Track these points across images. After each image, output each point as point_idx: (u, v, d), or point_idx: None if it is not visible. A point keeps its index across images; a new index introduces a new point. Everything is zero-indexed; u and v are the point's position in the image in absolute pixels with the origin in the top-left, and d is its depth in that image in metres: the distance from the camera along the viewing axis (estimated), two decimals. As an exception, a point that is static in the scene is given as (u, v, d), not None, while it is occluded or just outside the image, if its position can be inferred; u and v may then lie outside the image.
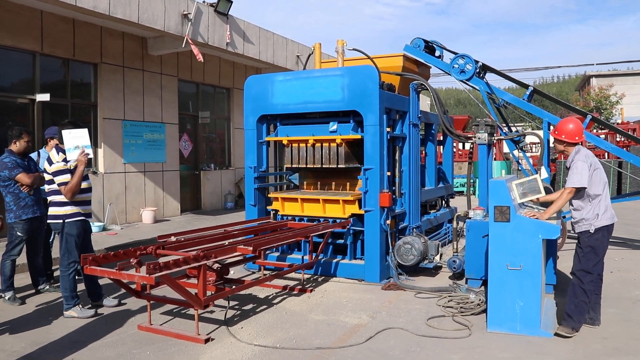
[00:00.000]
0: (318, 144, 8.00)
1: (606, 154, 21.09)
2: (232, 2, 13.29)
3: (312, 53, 9.10)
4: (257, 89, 8.38)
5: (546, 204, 5.87)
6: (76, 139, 6.13)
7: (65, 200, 6.09)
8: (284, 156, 8.42)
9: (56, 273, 7.28)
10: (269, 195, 8.56)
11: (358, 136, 7.65)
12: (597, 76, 54.32)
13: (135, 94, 13.28)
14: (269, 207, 8.51)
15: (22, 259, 7.03)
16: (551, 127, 9.09)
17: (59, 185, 6.05)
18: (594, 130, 23.24)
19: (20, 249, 6.76)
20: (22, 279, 7.46)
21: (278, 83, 8.21)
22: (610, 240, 5.61)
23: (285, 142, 8.23)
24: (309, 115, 8.28)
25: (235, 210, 15.78)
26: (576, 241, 5.60)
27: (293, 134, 8.25)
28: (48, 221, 6.31)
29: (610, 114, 41.72)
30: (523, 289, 5.36)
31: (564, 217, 5.90)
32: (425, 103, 34.27)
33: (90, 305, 6.40)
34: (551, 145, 7.41)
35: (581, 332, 5.36)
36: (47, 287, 7.17)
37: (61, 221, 6.11)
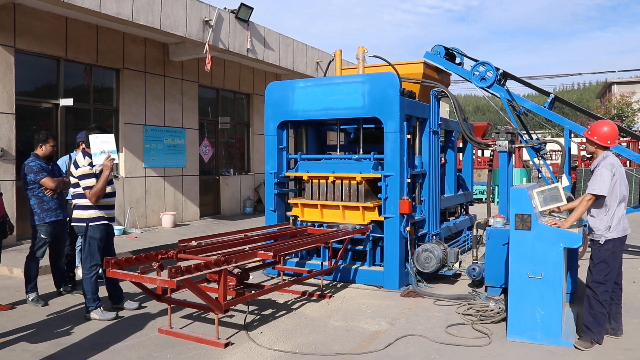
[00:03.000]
0: (338, 181, 8.01)
1: (628, 162, 20.83)
2: (252, 8, 13.39)
3: (333, 60, 9.13)
4: (278, 95, 8.43)
5: (568, 212, 5.82)
6: (102, 144, 6.21)
7: (90, 204, 6.17)
8: (304, 189, 8.46)
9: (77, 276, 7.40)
10: (289, 201, 8.59)
11: (378, 175, 7.64)
12: (618, 83, 53.70)
13: (156, 100, 13.43)
14: (288, 213, 8.54)
15: (45, 261, 7.13)
16: (572, 135, 9.02)
17: (84, 189, 6.13)
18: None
19: (44, 252, 6.86)
20: (45, 280, 7.56)
21: (299, 89, 8.25)
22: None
23: (305, 177, 8.27)
24: (329, 121, 8.30)
25: (254, 215, 15.84)
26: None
27: (313, 170, 8.27)
28: (72, 224, 6.39)
29: (632, 122, 41.20)
30: (544, 297, 5.32)
31: (585, 225, 5.85)
32: (444, 110, 34.17)
33: (111, 308, 6.47)
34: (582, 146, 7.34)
35: (604, 343, 5.30)
36: (69, 289, 7.27)
37: (85, 224, 6.19)
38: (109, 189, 6.31)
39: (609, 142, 5.45)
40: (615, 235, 5.31)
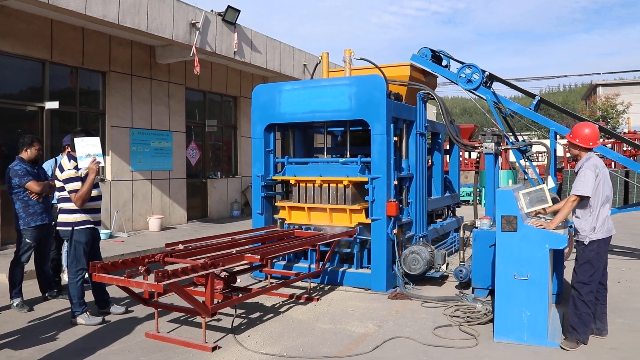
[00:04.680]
0: (325, 185, 8.00)
1: (613, 163, 21.03)
2: (239, 11, 13.38)
3: (320, 62, 9.15)
4: (265, 98, 8.43)
5: (554, 214, 5.86)
6: (88, 147, 6.17)
7: (75, 207, 6.13)
8: (292, 194, 8.45)
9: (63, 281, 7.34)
10: (276, 204, 8.58)
11: (365, 178, 7.65)
12: (603, 85, 54.18)
13: (143, 102, 13.37)
14: (275, 216, 8.53)
15: (30, 266, 7.07)
16: (558, 136, 9.09)
17: (69, 192, 6.09)
18: (601, 140, 23.21)
19: (29, 256, 6.80)
20: (30, 285, 7.50)
21: (286, 92, 8.25)
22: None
23: (293, 181, 8.26)
24: (316, 124, 8.30)
25: (241, 218, 15.81)
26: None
27: (301, 173, 8.26)
28: (57, 228, 6.35)
29: (617, 123, 41.57)
30: (530, 298, 5.35)
31: (570, 226, 5.90)
32: (431, 112, 34.31)
33: (97, 313, 6.43)
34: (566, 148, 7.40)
35: (589, 343, 5.35)
36: (55, 294, 7.21)
37: (70, 228, 6.15)
38: (94, 193, 6.28)
39: (591, 143, 5.50)
40: (600, 236, 5.35)
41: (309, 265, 7.91)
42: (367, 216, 7.67)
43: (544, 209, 5.84)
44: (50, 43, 11.10)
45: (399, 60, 9.60)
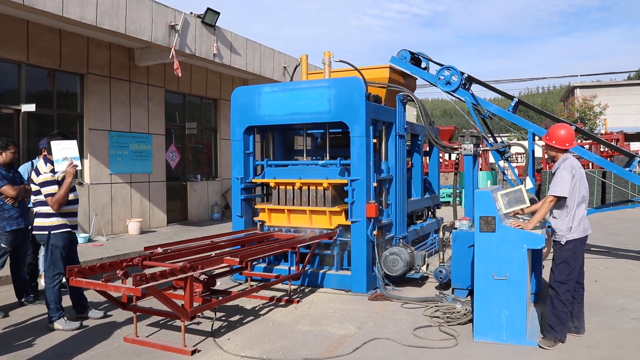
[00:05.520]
0: (305, 187, 8.00)
1: (590, 164, 21.30)
2: (219, 13, 13.33)
3: (299, 65, 9.15)
4: (244, 101, 8.40)
5: (532, 214, 5.92)
6: (65, 150, 6.11)
7: (52, 211, 6.06)
8: (272, 196, 8.43)
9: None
10: (256, 207, 8.56)
11: (344, 180, 7.66)
12: (581, 87, 54.79)
13: (122, 105, 13.25)
14: (255, 218, 8.51)
15: (5, 271, 6.97)
16: (536, 138, 9.18)
17: (45, 196, 6.02)
18: (578, 141, 23.55)
19: (4, 261, 6.69)
20: (6, 291, 7.39)
21: (265, 94, 8.23)
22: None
23: (272, 184, 8.25)
24: (296, 126, 8.30)
25: (222, 221, 15.74)
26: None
27: (280, 176, 8.25)
28: (33, 232, 6.27)
29: (594, 125, 42.11)
30: (509, 298, 5.40)
31: (548, 226, 5.96)
32: (411, 114, 34.43)
33: (75, 318, 6.35)
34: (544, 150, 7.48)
35: (567, 341, 5.41)
36: (32, 299, 7.11)
37: (47, 232, 6.08)
38: (71, 196, 6.21)
39: (567, 144, 5.56)
40: (576, 236, 5.41)
41: (289, 268, 7.90)
42: (347, 218, 7.68)
43: (522, 209, 5.90)
44: (27, 45, 10.96)
45: (381, 63, 9.64)
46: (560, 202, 5.44)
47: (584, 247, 5.56)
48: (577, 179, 5.42)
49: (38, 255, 7.56)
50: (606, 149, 21.97)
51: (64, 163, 6.07)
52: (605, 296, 7.27)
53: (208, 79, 16.36)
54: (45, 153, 6.31)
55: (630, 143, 34.47)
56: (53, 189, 6.03)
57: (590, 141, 23.63)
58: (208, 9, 13.16)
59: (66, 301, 6.38)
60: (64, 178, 6.07)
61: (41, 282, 7.44)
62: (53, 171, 6.08)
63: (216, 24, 13.50)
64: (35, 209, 6.18)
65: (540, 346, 5.30)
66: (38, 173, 6.10)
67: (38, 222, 6.14)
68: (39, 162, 6.25)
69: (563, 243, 5.43)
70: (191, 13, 12.98)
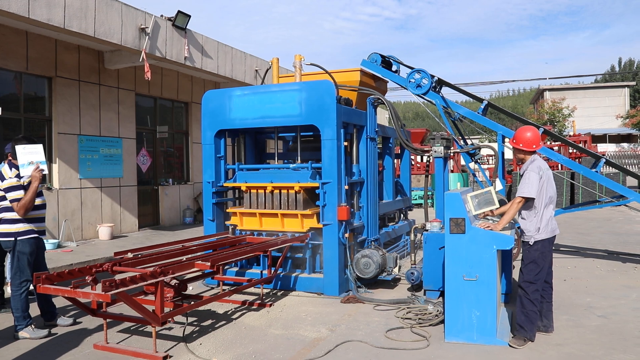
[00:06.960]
0: (277, 191, 8.00)
1: (559, 165, 21.67)
2: (190, 16, 13.25)
3: (270, 68, 9.13)
4: (215, 104, 8.36)
5: (502, 215, 5.98)
6: (30, 155, 6.01)
7: (18, 217, 5.95)
8: (243, 200, 8.40)
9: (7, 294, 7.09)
10: (228, 210, 8.52)
11: (316, 184, 7.68)
12: (550, 90, 55.76)
13: (92, 109, 13.07)
14: (227, 222, 8.47)
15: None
16: (505, 140, 9.29)
17: (11, 201, 5.91)
18: (547, 143, 23.94)
19: (-30, 269, 6.56)
20: (-28, 299, 7.22)
21: (236, 98, 8.20)
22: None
23: (244, 188, 8.22)
24: (267, 130, 8.28)
25: (194, 225, 15.62)
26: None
27: (252, 180, 8.24)
28: (-1, 239, 6.14)
29: (563, 127, 42.87)
30: (479, 299, 5.46)
31: (518, 227, 6.05)
32: (383, 117, 34.64)
33: (43, 326, 6.23)
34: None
35: (536, 340, 5.48)
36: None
37: (13, 239, 5.96)
38: (38, 201, 6.11)
39: (534, 146, 5.65)
40: (544, 237, 5.50)
41: (262, 271, 7.87)
42: (318, 221, 7.68)
43: (491, 210, 5.97)
44: (-8, 48, 10.76)
45: (353, 66, 9.68)
46: (528, 203, 5.52)
47: (552, 247, 5.65)
48: (545, 180, 5.52)
49: (4, 262, 7.40)
50: (574, 151, 22.33)
51: (29, 167, 5.97)
52: (574, 295, 7.40)
53: (179, 82, 16.23)
54: (10, 158, 6.19)
55: (597, 144, 35.15)
56: (19, 194, 5.92)
57: (559, 143, 24.02)
58: (179, 11, 13.07)
59: (34, 309, 6.27)
60: (29, 183, 5.96)
61: (7, 290, 7.29)
62: (18, 176, 5.98)
63: (187, 27, 13.41)
64: (1, 215, 6.05)
65: (510, 345, 5.37)
66: (3, 178, 5.99)
67: (3, 228, 6.01)
68: (4, 167, 6.13)
69: (531, 243, 5.51)
70: (162, 16, 12.88)
